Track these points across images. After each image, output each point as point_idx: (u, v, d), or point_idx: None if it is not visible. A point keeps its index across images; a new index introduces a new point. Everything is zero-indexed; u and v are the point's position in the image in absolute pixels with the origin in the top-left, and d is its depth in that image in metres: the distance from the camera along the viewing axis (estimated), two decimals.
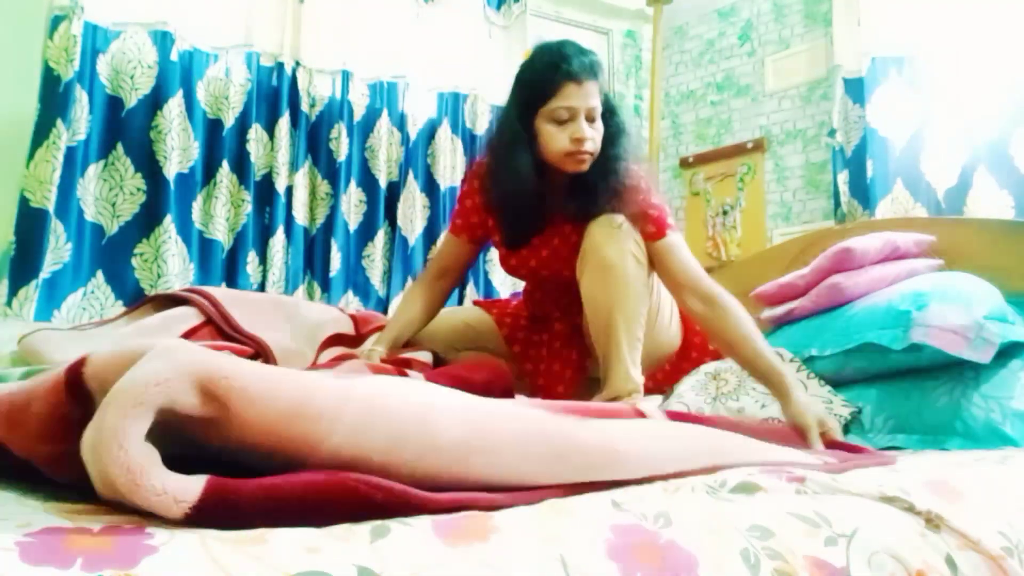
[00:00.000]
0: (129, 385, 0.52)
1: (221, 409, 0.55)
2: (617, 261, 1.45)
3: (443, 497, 0.59)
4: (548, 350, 1.70)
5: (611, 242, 1.46)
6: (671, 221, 1.54)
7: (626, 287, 1.46)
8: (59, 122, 1.82)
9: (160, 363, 0.54)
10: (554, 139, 1.48)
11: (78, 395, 0.58)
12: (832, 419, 1.29)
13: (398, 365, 1.36)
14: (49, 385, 0.60)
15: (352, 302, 2.28)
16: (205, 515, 0.51)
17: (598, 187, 1.49)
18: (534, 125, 1.50)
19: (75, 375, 0.59)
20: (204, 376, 0.55)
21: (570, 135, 1.46)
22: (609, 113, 1.53)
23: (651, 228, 1.50)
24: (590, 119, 1.47)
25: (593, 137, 1.47)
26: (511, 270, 1.72)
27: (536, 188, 1.53)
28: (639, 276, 1.48)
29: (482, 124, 2.52)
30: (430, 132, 2.46)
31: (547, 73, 1.48)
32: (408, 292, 1.75)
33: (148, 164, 1.98)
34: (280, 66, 2.19)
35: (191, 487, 0.51)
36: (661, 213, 1.52)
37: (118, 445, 0.49)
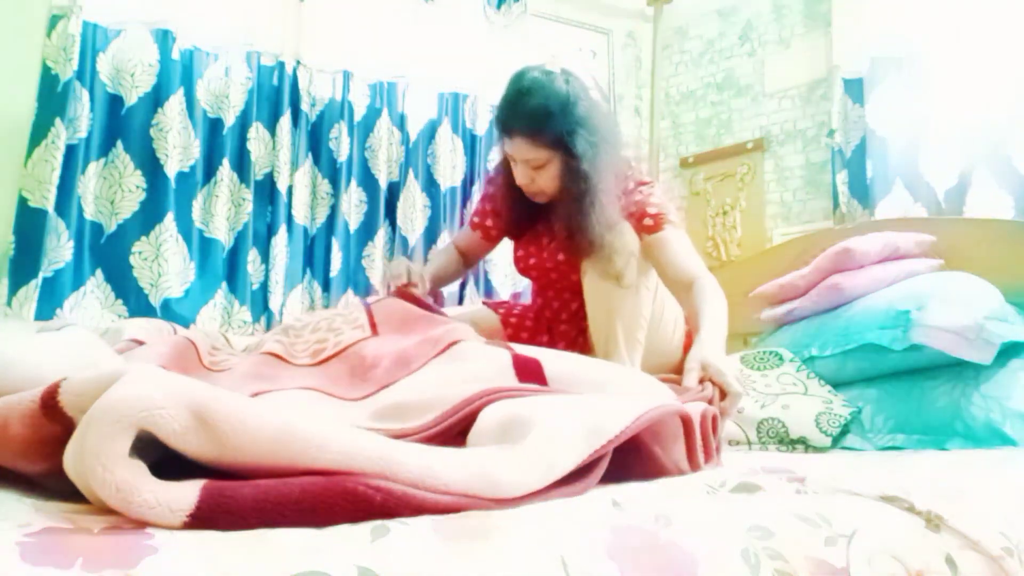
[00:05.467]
0: (109, 406, 0.52)
1: (213, 435, 0.55)
2: (621, 265, 1.47)
3: (442, 499, 0.59)
4: None
5: (617, 246, 1.48)
6: (672, 217, 1.56)
7: (627, 290, 1.48)
8: (58, 121, 1.82)
9: (149, 387, 0.54)
10: (514, 175, 1.55)
11: (56, 418, 0.59)
12: (722, 367, 1.18)
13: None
14: (24, 409, 0.60)
15: (352, 302, 2.28)
16: (203, 521, 0.50)
17: (575, 238, 1.50)
18: None
19: (51, 399, 0.59)
20: (199, 404, 0.55)
21: (518, 176, 1.53)
22: (570, 156, 1.46)
23: (648, 222, 1.54)
24: (535, 168, 1.50)
25: (534, 181, 1.52)
26: (524, 270, 1.75)
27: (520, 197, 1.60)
28: (642, 279, 1.51)
29: (482, 124, 2.52)
30: (430, 132, 2.46)
31: (496, 117, 1.54)
32: (445, 248, 1.91)
33: (148, 162, 1.98)
34: (281, 65, 2.19)
35: (186, 495, 0.51)
36: (660, 210, 1.55)
37: (102, 467, 0.49)
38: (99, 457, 0.50)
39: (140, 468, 0.51)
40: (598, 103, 1.55)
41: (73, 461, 0.53)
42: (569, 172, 1.48)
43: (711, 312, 1.38)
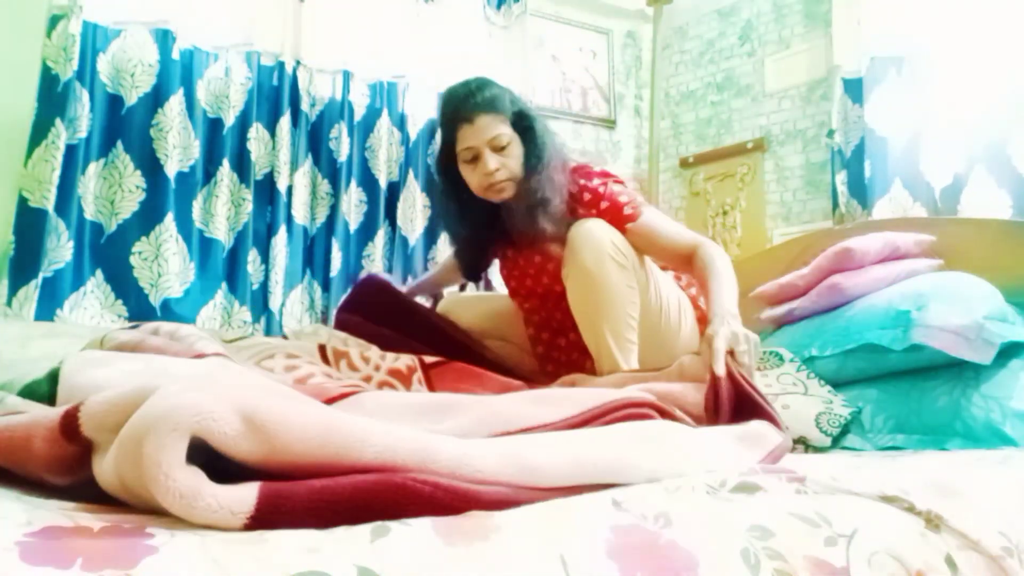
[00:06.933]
0: (163, 415, 0.53)
1: (262, 436, 0.56)
2: (595, 268, 1.46)
3: (491, 492, 0.61)
4: (566, 357, 1.70)
5: (588, 248, 1.47)
6: (639, 199, 1.58)
7: (607, 293, 1.46)
8: (58, 121, 1.82)
9: (199, 395, 0.55)
10: (471, 179, 1.57)
11: (75, 440, 0.60)
12: (725, 332, 1.23)
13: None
14: (44, 431, 0.61)
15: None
16: (262, 522, 0.51)
17: (534, 213, 1.54)
18: (459, 169, 1.58)
19: (71, 421, 0.60)
20: (246, 407, 0.56)
21: (480, 172, 1.53)
22: (525, 131, 1.56)
23: (626, 212, 1.55)
24: (496, 148, 1.52)
25: (504, 165, 1.53)
26: (512, 294, 1.75)
27: (473, 227, 1.65)
28: (621, 278, 1.48)
29: None
30: (430, 132, 2.46)
31: (445, 122, 1.58)
32: (446, 260, 2.01)
33: (148, 162, 1.98)
34: (281, 65, 2.19)
35: (245, 497, 0.52)
36: (630, 197, 1.57)
37: (164, 475, 0.50)
38: (160, 465, 0.50)
39: (199, 473, 0.52)
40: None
41: (121, 471, 0.53)
42: (531, 149, 1.54)
43: (716, 282, 1.43)
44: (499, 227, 1.66)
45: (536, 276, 1.66)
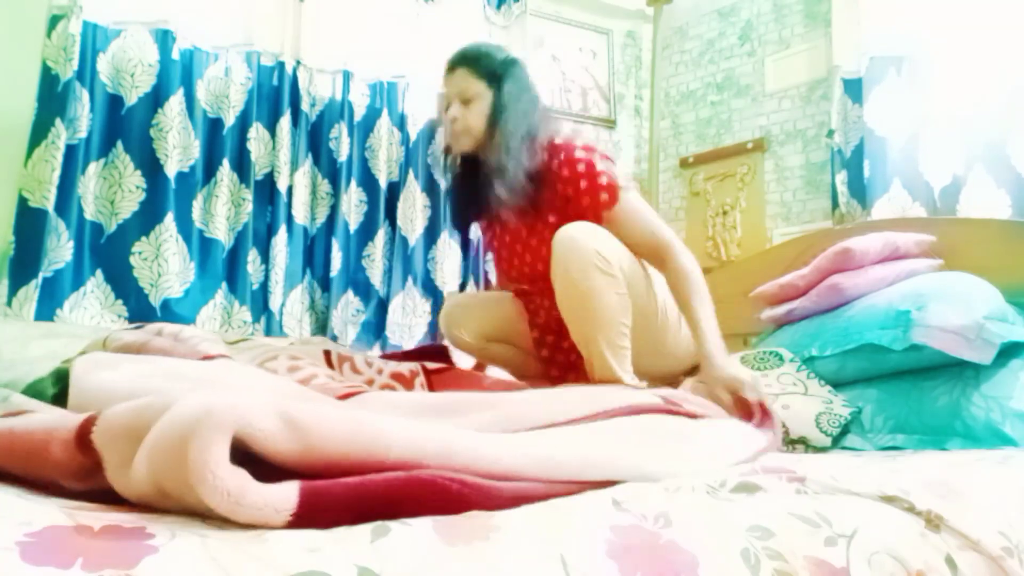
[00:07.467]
0: (203, 416, 0.53)
1: (299, 435, 0.58)
2: (581, 279, 1.41)
3: (516, 488, 0.63)
4: (567, 359, 1.69)
5: (572, 259, 1.42)
6: (622, 182, 1.54)
7: (596, 303, 1.42)
8: (58, 121, 1.82)
9: (237, 398, 0.57)
10: (445, 121, 1.62)
11: (87, 453, 0.61)
12: (747, 378, 1.32)
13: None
14: (61, 439, 0.62)
15: (352, 302, 2.28)
16: (304, 520, 0.52)
17: (490, 179, 1.54)
18: None
19: (85, 433, 0.61)
20: (282, 408, 0.58)
21: (449, 114, 1.60)
22: (499, 93, 1.57)
23: (604, 197, 1.51)
24: (463, 101, 1.58)
25: (463, 116, 1.58)
26: (504, 275, 1.73)
27: (461, 174, 1.68)
28: (610, 287, 1.42)
29: None
30: (430, 132, 2.46)
31: (444, 73, 1.65)
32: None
33: (148, 162, 1.98)
34: (281, 65, 2.20)
35: (287, 495, 0.53)
36: (610, 178, 1.52)
37: (212, 474, 0.51)
38: (208, 465, 0.51)
39: (244, 473, 0.53)
40: (534, 84, 1.65)
41: (159, 476, 0.54)
42: (496, 109, 1.56)
43: (704, 310, 1.44)
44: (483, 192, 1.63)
45: (533, 263, 1.63)
